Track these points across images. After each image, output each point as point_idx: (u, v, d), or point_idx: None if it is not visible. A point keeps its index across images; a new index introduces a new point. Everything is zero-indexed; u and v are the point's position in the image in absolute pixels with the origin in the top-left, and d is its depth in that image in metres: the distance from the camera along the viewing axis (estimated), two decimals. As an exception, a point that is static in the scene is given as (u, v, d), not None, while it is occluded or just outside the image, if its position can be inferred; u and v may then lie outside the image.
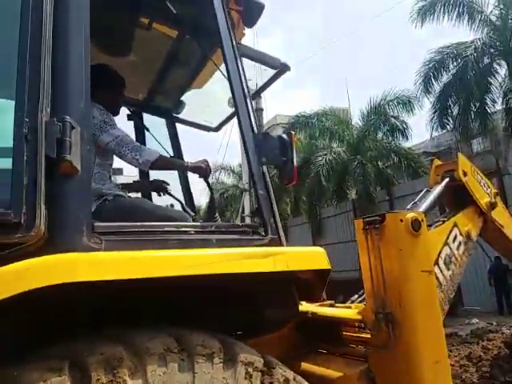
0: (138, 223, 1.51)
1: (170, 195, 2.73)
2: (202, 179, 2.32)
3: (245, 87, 1.98)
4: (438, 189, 3.67)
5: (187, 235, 1.56)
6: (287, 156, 1.93)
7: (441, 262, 3.00)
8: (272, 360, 1.33)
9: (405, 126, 17.80)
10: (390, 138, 18.30)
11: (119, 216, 1.75)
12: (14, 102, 1.28)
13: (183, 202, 2.81)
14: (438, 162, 4.14)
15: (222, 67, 2.10)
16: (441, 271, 2.96)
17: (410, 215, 1.71)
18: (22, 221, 1.20)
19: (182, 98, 3.52)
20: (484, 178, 4.00)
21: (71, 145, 1.26)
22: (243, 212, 13.52)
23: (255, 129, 1.91)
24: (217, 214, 2.38)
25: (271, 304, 1.78)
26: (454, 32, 15.37)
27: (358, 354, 1.78)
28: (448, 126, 14.71)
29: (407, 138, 17.69)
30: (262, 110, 12.60)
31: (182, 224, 1.68)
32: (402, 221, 1.71)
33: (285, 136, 1.98)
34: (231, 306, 1.62)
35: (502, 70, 14.08)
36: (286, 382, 1.29)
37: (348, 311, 1.96)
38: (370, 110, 18.35)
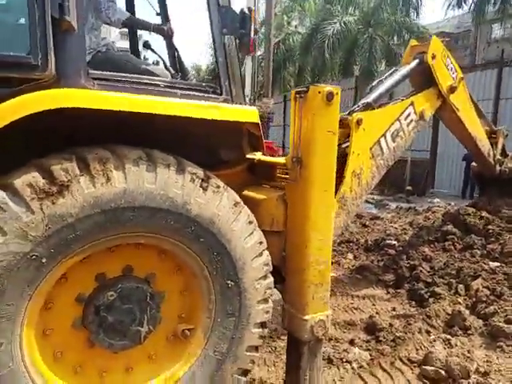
0: (123, 74, 2.05)
1: (154, 52, 3.13)
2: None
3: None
4: (403, 69, 3.96)
5: (159, 87, 2.12)
6: (246, 29, 2.36)
7: (388, 134, 3.43)
8: (210, 174, 2.04)
9: (419, 2, 16.64)
10: (404, 13, 17.17)
11: (109, 66, 2.27)
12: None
13: (165, 60, 3.25)
14: (414, 42, 4.35)
15: None
16: (386, 142, 3.39)
17: (327, 89, 2.23)
18: (39, 63, 1.74)
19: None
20: (453, 61, 4.19)
21: (69, 8, 1.73)
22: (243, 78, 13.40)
23: (220, 1, 2.29)
24: (188, 73, 2.87)
25: (224, 147, 2.45)
26: None
27: (281, 186, 2.53)
28: (465, 6, 13.82)
29: (418, 15, 16.62)
30: None
31: (156, 78, 2.22)
32: (319, 92, 2.21)
33: (246, 10, 2.37)
34: (195, 146, 2.27)
35: None
36: (217, 188, 2.02)
37: (280, 158, 2.65)
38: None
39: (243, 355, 2.13)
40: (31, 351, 1.66)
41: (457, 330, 3.54)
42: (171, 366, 2.06)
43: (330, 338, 3.48)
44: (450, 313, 3.71)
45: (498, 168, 5.12)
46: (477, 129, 4.67)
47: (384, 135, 3.42)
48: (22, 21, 1.91)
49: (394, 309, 4.12)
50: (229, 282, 2.03)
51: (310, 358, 2.37)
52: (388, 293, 4.57)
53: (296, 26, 23.49)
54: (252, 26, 2.37)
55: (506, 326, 3.40)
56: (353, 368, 3.16)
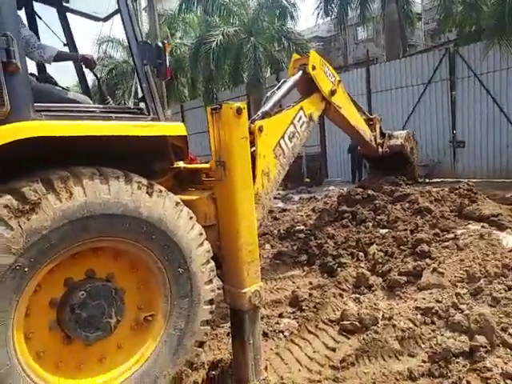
0: (63, 104, 2.32)
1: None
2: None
3: (126, 3, 2.65)
4: (291, 80, 4.62)
5: (95, 113, 2.42)
6: (162, 59, 2.79)
7: (286, 137, 4.03)
8: (153, 182, 2.40)
9: (294, 10, 18.23)
10: (282, 21, 18.59)
11: (41, 98, 2.48)
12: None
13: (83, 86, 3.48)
14: (296, 56, 5.10)
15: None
16: (285, 143, 4.02)
17: (236, 105, 2.76)
18: None
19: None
20: (330, 68, 4.95)
21: (14, 52, 1.96)
22: (136, 91, 13.18)
23: (139, 37, 2.68)
24: (108, 98, 3.18)
25: (156, 159, 2.82)
26: None
27: (208, 187, 2.99)
28: (332, 14, 15.64)
29: (295, 21, 18.22)
30: None
31: (91, 105, 2.52)
32: (231, 108, 2.74)
33: (160, 44, 2.80)
34: (133, 161, 2.59)
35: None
36: (160, 192, 2.38)
37: (204, 164, 3.11)
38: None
39: (198, 329, 2.54)
40: (22, 352, 1.87)
41: (363, 289, 4.24)
42: (139, 349, 2.37)
43: (262, 316, 3.87)
44: (356, 276, 4.43)
45: (380, 150, 6.10)
46: (357, 120, 5.51)
47: (283, 137, 4.02)
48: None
49: (310, 283, 4.76)
50: (180, 269, 2.41)
51: (251, 325, 2.82)
52: (304, 271, 5.24)
53: (181, 38, 23.87)
54: (167, 56, 2.80)
55: (399, 277, 4.15)
56: (285, 336, 3.64)
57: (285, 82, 4.69)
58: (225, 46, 17.91)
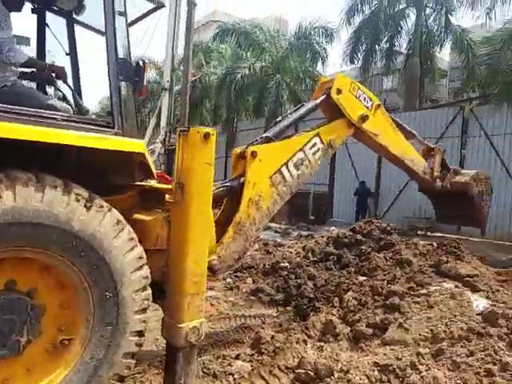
0: (27, 108, 2.29)
1: (56, 88, 3.39)
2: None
3: (113, 19, 2.68)
4: (309, 104, 4.19)
5: (56, 121, 2.39)
6: (139, 77, 2.79)
7: (290, 164, 3.73)
8: (94, 195, 2.32)
9: (326, 54, 18.70)
10: (312, 63, 19.05)
11: (16, 100, 2.49)
12: None
13: (67, 95, 3.50)
14: (324, 78, 4.59)
15: None
16: (288, 170, 3.72)
17: (205, 130, 2.69)
18: None
19: (84, 2, 3.93)
20: (366, 91, 4.39)
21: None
22: (160, 110, 13.12)
23: (119, 53, 2.69)
24: (84, 108, 3.18)
25: (115, 173, 2.75)
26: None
27: (167, 209, 2.89)
28: (356, 62, 15.93)
29: (324, 65, 18.63)
30: (195, 4, 12.04)
31: (57, 113, 2.49)
32: (198, 132, 2.67)
33: (140, 63, 2.81)
34: (89, 173, 2.54)
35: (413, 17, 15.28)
36: (100, 207, 2.29)
37: (167, 185, 3.03)
38: (298, 32, 18.73)
39: (119, 361, 2.35)
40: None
41: (329, 337, 4.01)
42: (49, 375, 2.20)
43: (218, 356, 3.77)
44: (324, 323, 4.20)
45: (438, 184, 5.21)
46: (403, 149, 4.86)
47: (286, 164, 3.73)
48: None
49: (280, 324, 4.55)
50: (107, 293, 2.27)
51: (184, 364, 2.63)
52: (278, 311, 5.04)
53: (215, 67, 24.67)
54: (145, 75, 2.80)
55: (366, 329, 3.92)
56: (234, 379, 3.41)
57: (303, 105, 4.32)
58: (250, 79, 18.40)
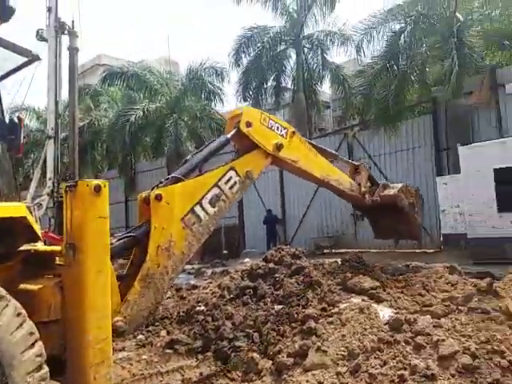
0: None
1: None
2: None
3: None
4: (220, 139, 4.20)
5: None
6: (16, 135, 2.57)
7: (205, 201, 3.59)
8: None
9: (221, 92, 19.27)
10: (209, 101, 19.45)
11: None
12: None
13: None
14: (236, 111, 4.54)
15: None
16: (203, 209, 3.57)
17: (95, 182, 2.55)
18: None
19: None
20: (278, 121, 4.48)
21: None
22: (45, 160, 12.07)
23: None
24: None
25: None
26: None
27: (58, 274, 2.61)
28: (249, 99, 16.79)
29: (223, 103, 19.18)
30: (77, 49, 11.51)
31: None
32: (88, 185, 2.51)
33: (16, 120, 2.59)
34: None
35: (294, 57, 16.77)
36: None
37: (56, 246, 2.75)
38: (190, 73, 19.11)
39: None
40: None
41: (252, 376, 3.91)
42: None
43: None
44: (245, 362, 4.11)
45: (368, 198, 5.38)
46: (326, 172, 4.97)
47: (199, 203, 3.58)
48: None
49: (201, 374, 4.27)
50: (-7, 381, 1.95)
51: None
52: (197, 359, 4.74)
53: (105, 110, 23.85)
54: (21, 132, 2.57)
55: (286, 359, 3.89)
56: None
57: (214, 140, 4.27)
58: (145, 120, 18.16)
